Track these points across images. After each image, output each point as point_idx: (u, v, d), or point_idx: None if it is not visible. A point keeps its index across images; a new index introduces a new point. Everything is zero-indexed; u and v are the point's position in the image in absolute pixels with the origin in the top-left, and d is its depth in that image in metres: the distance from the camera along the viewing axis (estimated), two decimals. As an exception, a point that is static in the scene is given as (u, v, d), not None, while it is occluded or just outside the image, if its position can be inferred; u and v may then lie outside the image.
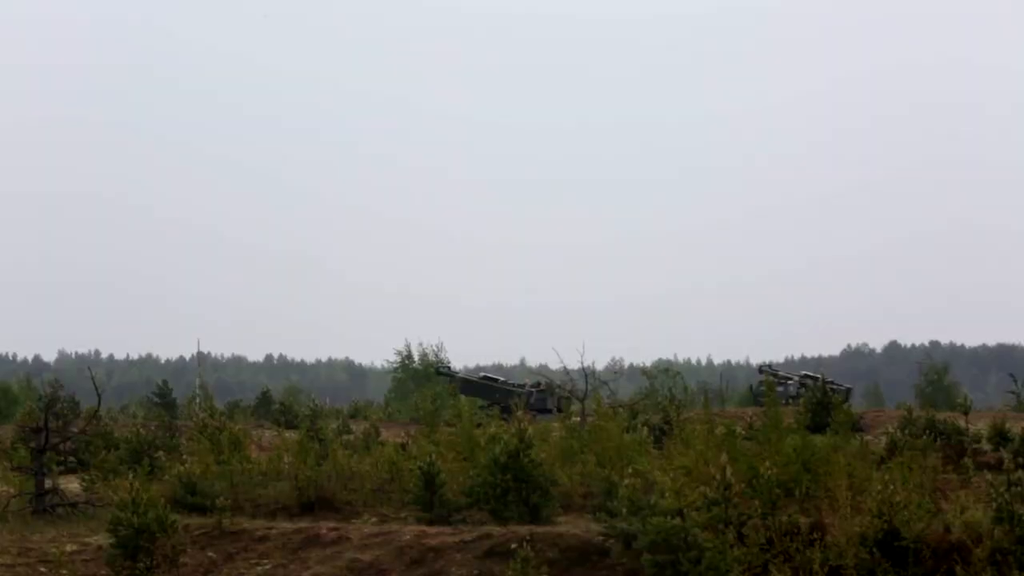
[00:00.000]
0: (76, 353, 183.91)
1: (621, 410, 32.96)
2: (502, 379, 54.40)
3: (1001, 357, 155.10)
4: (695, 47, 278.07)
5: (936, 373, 65.55)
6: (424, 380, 59.52)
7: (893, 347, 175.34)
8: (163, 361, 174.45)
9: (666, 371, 47.84)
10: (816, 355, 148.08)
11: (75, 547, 21.93)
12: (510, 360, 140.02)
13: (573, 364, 35.51)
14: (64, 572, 20.68)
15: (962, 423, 34.09)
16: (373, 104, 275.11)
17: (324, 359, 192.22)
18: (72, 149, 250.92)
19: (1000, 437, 33.00)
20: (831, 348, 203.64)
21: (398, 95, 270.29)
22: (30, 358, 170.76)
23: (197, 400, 51.99)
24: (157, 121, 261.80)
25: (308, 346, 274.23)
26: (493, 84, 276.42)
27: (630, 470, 21.57)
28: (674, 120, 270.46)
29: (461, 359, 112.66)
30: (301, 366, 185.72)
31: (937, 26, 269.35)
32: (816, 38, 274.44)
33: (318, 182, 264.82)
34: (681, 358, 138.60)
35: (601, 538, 19.89)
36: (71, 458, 32.36)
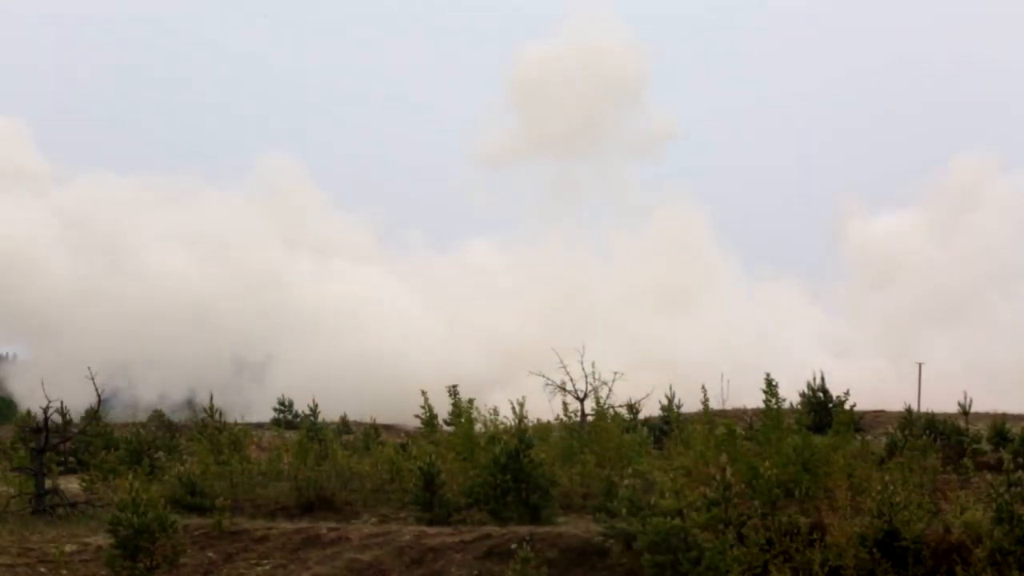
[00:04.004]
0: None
1: (621, 410, 32.88)
2: None
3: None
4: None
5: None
6: (424, 380, 59.10)
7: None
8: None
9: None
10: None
11: (75, 547, 21.91)
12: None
13: (573, 364, 35.34)
14: (64, 572, 20.67)
15: (962, 423, 34.05)
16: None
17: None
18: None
19: (1000, 437, 32.99)
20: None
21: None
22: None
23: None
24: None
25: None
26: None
27: (630, 470, 21.55)
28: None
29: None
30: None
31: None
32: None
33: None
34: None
35: (601, 538, 19.88)
36: (71, 458, 32.34)
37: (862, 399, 32.62)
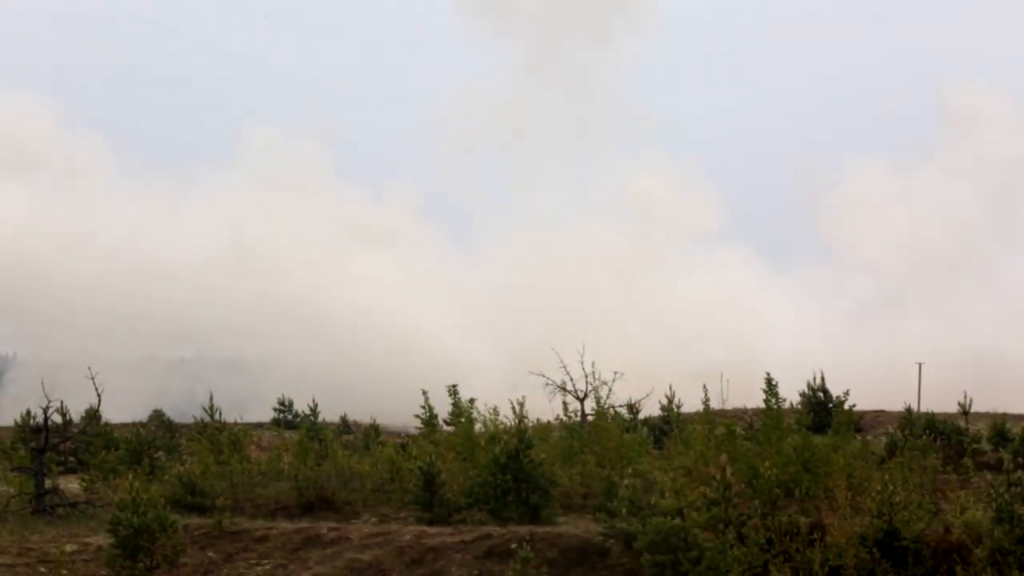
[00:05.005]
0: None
1: (621, 410, 32.87)
2: None
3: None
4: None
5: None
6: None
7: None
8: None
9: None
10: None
11: (75, 547, 21.93)
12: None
13: (573, 364, 35.33)
14: (64, 572, 20.69)
15: (962, 423, 34.05)
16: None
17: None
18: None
19: (1000, 437, 32.99)
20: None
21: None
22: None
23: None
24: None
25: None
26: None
27: (630, 470, 21.56)
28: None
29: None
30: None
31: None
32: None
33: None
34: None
35: (601, 538, 19.89)
36: (71, 458, 32.33)
37: (860, 391, 32.56)
